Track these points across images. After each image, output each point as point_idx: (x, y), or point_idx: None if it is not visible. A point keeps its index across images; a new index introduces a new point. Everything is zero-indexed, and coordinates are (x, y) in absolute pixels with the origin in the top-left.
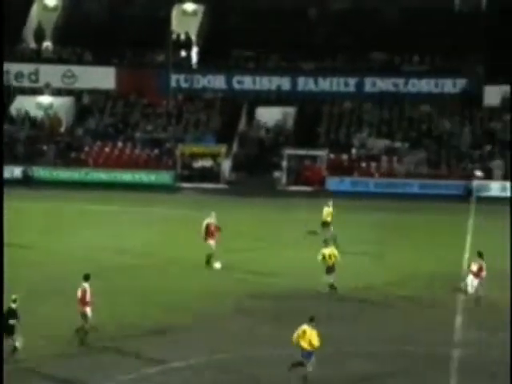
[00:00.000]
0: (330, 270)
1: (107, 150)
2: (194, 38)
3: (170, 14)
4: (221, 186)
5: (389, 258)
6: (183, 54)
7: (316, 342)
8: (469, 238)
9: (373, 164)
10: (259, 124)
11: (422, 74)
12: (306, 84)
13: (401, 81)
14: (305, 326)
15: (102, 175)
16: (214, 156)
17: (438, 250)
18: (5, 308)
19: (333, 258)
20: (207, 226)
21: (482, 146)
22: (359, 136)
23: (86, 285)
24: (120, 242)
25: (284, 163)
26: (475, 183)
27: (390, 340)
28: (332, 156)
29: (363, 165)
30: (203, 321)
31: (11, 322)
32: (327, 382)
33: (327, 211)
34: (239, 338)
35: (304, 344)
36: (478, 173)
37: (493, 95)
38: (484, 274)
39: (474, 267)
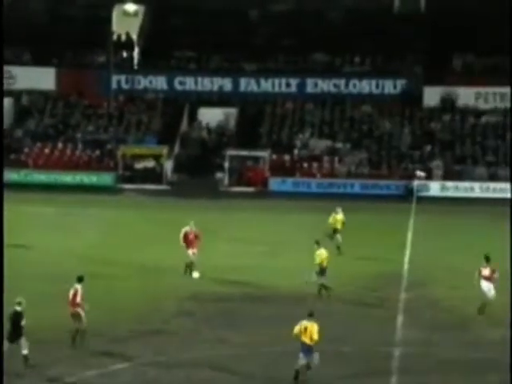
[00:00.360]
0: (323, 271)
1: (47, 151)
2: (135, 38)
3: (110, 15)
4: (163, 187)
5: (330, 258)
6: (124, 54)
7: (316, 336)
8: (409, 238)
9: (314, 164)
10: (201, 125)
11: (362, 74)
12: (247, 85)
13: (342, 81)
14: (305, 322)
15: (42, 176)
16: (156, 157)
17: (380, 249)
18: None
19: (326, 259)
20: (185, 235)
21: (422, 146)
22: (301, 137)
23: (78, 286)
24: (62, 244)
25: (226, 164)
26: (415, 183)
27: (330, 340)
28: (274, 157)
29: (305, 165)
30: (146, 322)
31: (19, 324)
32: (263, 381)
33: (335, 218)
34: (181, 339)
35: (306, 339)
36: (418, 173)
37: (432, 96)
38: (496, 276)
39: (486, 272)
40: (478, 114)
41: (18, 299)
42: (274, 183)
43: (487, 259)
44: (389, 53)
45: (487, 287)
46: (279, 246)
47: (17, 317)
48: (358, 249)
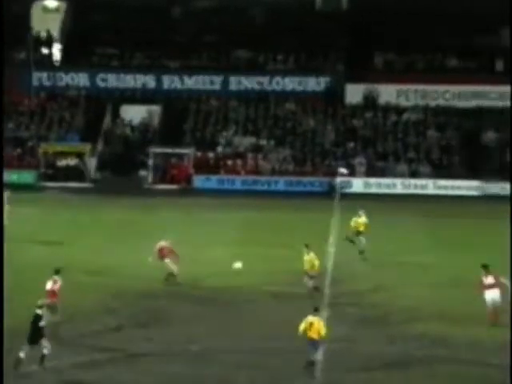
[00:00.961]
0: (313, 276)
1: None
2: (56, 35)
3: (30, 11)
4: (86, 184)
5: (254, 256)
6: (45, 51)
7: (324, 331)
8: (333, 234)
9: (239, 162)
10: (124, 122)
11: (286, 72)
12: (171, 82)
13: (265, 79)
14: (311, 318)
15: None
16: (79, 154)
17: (302, 247)
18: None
19: (316, 265)
20: (161, 249)
21: (345, 143)
22: (225, 134)
23: (57, 277)
24: None
25: (150, 161)
26: (338, 180)
27: (258, 337)
28: (198, 154)
29: (229, 162)
30: (70, 322)
31: (39, 325)
32: (198, 379)
33: (357, 221)
34: (105, 337)
35: (313, 335)
36: (342, 170)
37: (354, 93)
38: (504, 280)
39: (489, 280)
40: (400, 111)
41: (39, 302)
42: (199, 180)
43: (486, 268)
44: (312, 50)
45: (491, 296)
46: (204, 244)
47: (37, 319)
48: (282, 246)
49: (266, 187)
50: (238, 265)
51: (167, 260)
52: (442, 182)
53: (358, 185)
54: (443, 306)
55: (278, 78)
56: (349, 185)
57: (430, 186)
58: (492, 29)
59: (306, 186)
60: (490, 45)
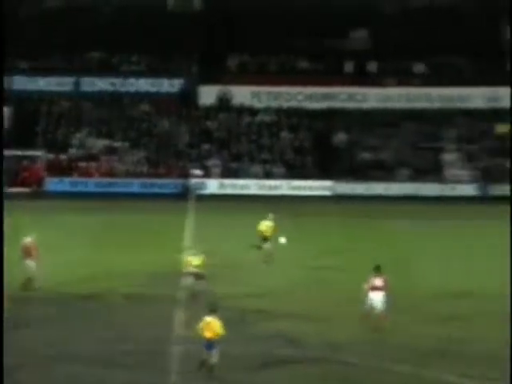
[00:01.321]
0: (199, 277)
1: None
2: None
3: None
4: None
5: (109, 259)
6: None
7: (220, 330)
8: (188, 236)
9: (92, 164)
10: None
11: (139, 73)
12: (21, 83)
13: (119, 80)
14: (208, 318)
15: None
16: None
17: (157, 247)
18: None
19: (201, 265)
20: (25, 247)
21: (200, 144)
22: (78, 135)
23: None
24: None
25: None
26: (193, 181)
27: (111, 339)
28: (50, 156)
29: (82, 165)
30: None
31: None
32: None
33: (266, 225)
34: None
35: (208, 334)
36: (195, 171)
37: (208, 95)
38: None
39: (378, 282)
40: (253, 112)
41: None
42: (51, 183)
43: (378, 269)
44: (165, 51)
45: (379, 298)
46: (57, 248)
47: None
48: (137, 247)
49: (120, 189)
50: (282, 240)
51: (29, 261)
52: (296, 183)
53: (212, 186)
54: (304, 306)
55: (131, 80)
56: (204, 186)
57: (284, 187)
58: (342, 31)
59: (161, 187)
60: (339, 47)
